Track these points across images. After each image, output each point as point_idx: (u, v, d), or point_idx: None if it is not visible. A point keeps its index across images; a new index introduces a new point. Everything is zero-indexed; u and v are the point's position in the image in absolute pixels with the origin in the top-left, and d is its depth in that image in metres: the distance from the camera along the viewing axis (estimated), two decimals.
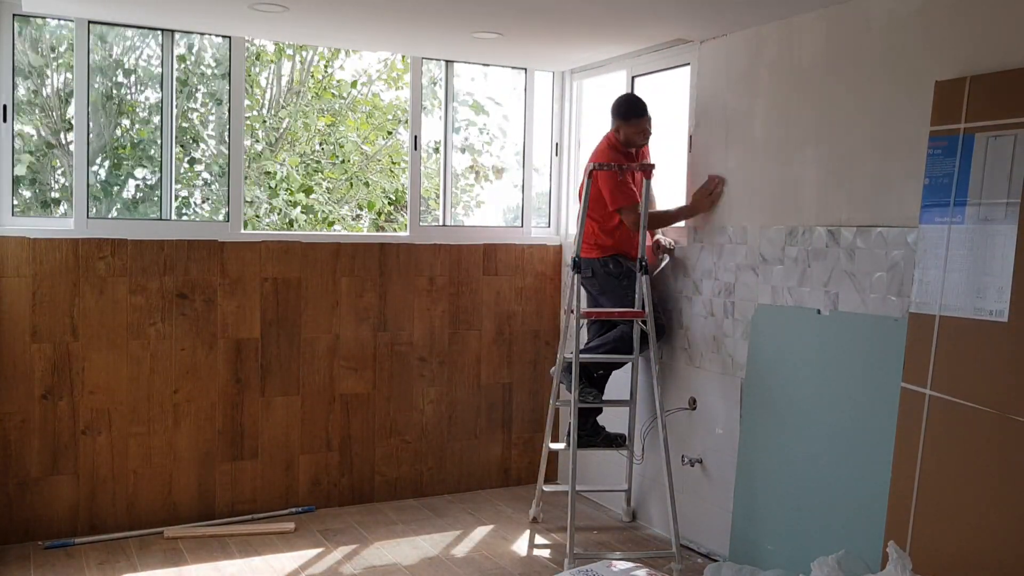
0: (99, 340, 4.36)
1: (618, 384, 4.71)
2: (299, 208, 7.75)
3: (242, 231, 4.69)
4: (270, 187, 7.72)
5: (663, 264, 4.56)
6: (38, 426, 4.28)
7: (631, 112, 4.39)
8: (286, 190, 7.70)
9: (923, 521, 3.11)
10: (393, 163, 8.25)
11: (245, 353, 4.65)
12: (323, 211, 7.94)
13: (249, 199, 7.34)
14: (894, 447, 3.24)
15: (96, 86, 5.01)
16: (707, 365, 4.31)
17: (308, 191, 7.72)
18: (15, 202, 4.34)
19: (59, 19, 4.54)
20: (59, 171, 6.23)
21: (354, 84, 8.28)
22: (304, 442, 4.82)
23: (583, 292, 4.53)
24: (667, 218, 4.43)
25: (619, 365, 4.60)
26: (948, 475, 3.06)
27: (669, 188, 4.64)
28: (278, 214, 7.72)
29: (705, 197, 4.26)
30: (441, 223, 5.30)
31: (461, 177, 7.77)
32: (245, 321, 4.65)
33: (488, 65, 5.34)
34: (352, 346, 4.90)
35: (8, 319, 4.21)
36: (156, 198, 4.88)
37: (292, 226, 7.68)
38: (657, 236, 4.56)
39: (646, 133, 4.43)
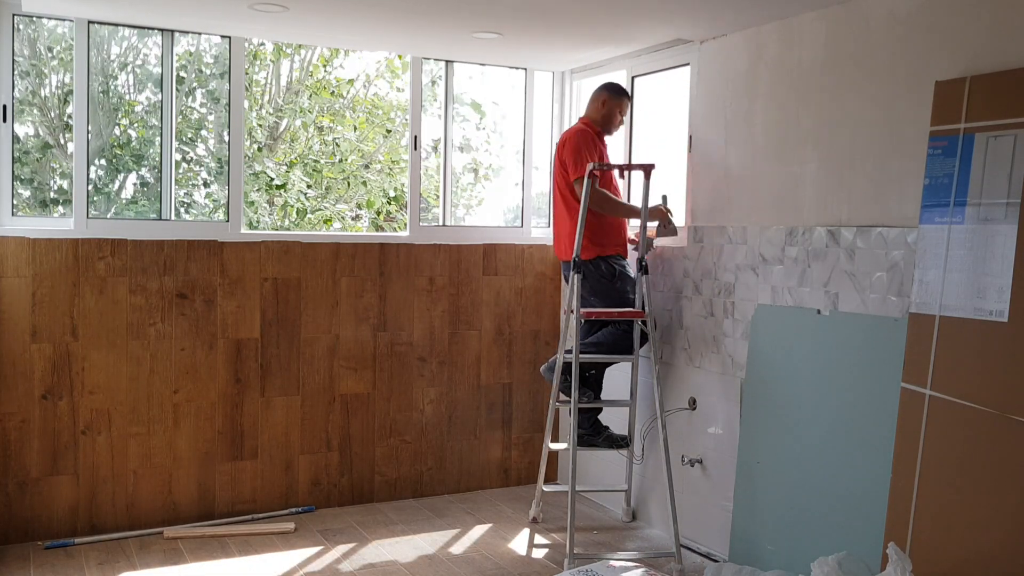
0: (99, 340, 4.36)
1: (618, 384, 4.72)
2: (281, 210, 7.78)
3: (242, 231, 4.69)
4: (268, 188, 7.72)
5: (656, 242, 4.54)
6: (38, 426, 4.28)
7: (623, 93, 4.61)
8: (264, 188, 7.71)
9: (923, 521, 3.12)
10: (392, 162, 8.25)
11: (245, 353, 4.65)
12: (313, 207, 7.94)
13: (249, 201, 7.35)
14: (894, 447, 3.25)
15: (96, 85, 5.01)
16: (707, 365, 4.31)
17: (281, 187, 7.71)
18: (14, 202, 4.34)
19: (59, 19, 4.54)
20: (57, 172, 6.24)
21: (351, 83, 8.28)
22: (304, 442, 4.82)
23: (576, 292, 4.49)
24: (615, 207, 4.42)
25: (608, 364, 4.60)
26: (948, 475, 3.06)
27: (669, 188, 4.63)
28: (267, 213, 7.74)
29: (660, 215, 4.37)
30: (441, 223, 5.30)
31: (460, 176, 7.78)
32: (245, 321, 4.65)
33: (487, 65, 5.34)
34: (352, 346, 4.90)
35: (8, 319, 4.21)
36: (155, 197, 4.88)
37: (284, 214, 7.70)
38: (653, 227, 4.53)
39: (623, 118, 4.63)
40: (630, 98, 4.69)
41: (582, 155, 4.39)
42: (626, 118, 4.70)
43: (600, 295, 4.44)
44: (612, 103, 4.55)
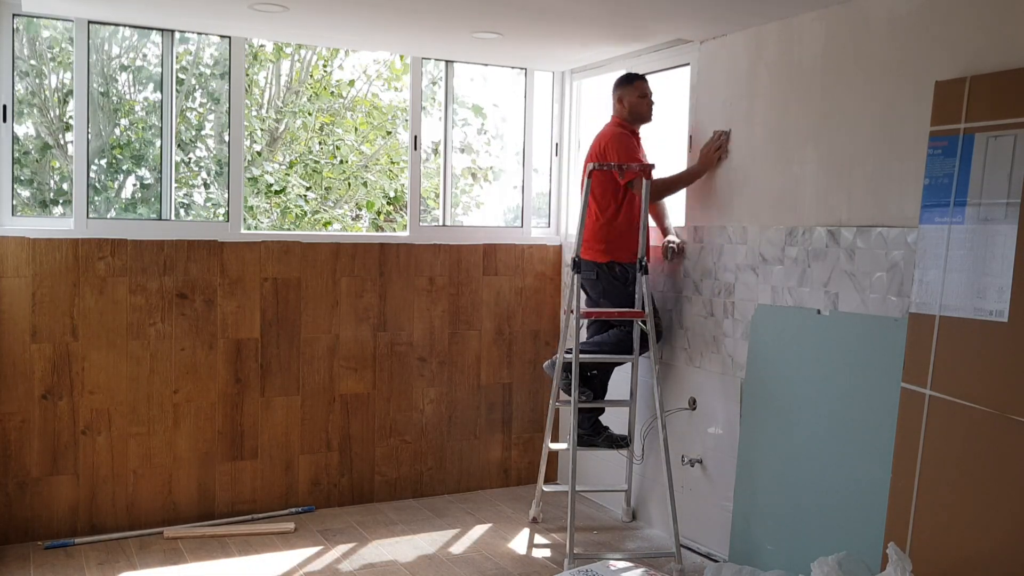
0: (99, 340, 4.36)
1: (618, 384, 4.72)
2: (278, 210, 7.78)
3: (242, 231, 4.69)
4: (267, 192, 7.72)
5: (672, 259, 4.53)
6: (38, 426, 4.27)
7: (631, 76, 4.51)
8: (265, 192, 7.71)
9: (923, 521, 3.12)
10: (392, 163, 8.25)
11: (245, 353, 4.65)
12: (313, 210, 7.94)
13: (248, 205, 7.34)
14: (894, 447, 3.25)
15: (95, 86, 5.01)
16: (707, 365, 4.31)
17: (280, 192, 7.70)
18: (14, 202, 4.34)
19: (59, 19, 4.54)
20: (57, 172, 6.24)
21: (351, 83, 8.28)
22: (304, 442, 4.82)
23: (583, 292, 4.51)
24: (676, 183, 4.36)
25: (614, 366, 4.60)
26: (948, 475, 3.06)
27: None
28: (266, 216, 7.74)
29: (712, 152, 4.22)
30: (441, 223, 5.30)
31: (460, 178, 7.78)
32: (245, 321, 4.65)
33: (487, 65, 5.34)
34: (352, 346, 4.90)
35: (8, 319, 4.21)
36: (155, 198, 4.88)
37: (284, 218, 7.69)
38: (668, 238, 4.53)
39: (648, 98, 4.49)
40: (641, 77, 4.50)
41: (631, 156, 4.31)
42: (652, 96, 4.51)
43: (610, 297, 4.44)
44: (627, 94, 4.46)
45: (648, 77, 4.89)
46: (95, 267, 4.34)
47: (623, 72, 4.60)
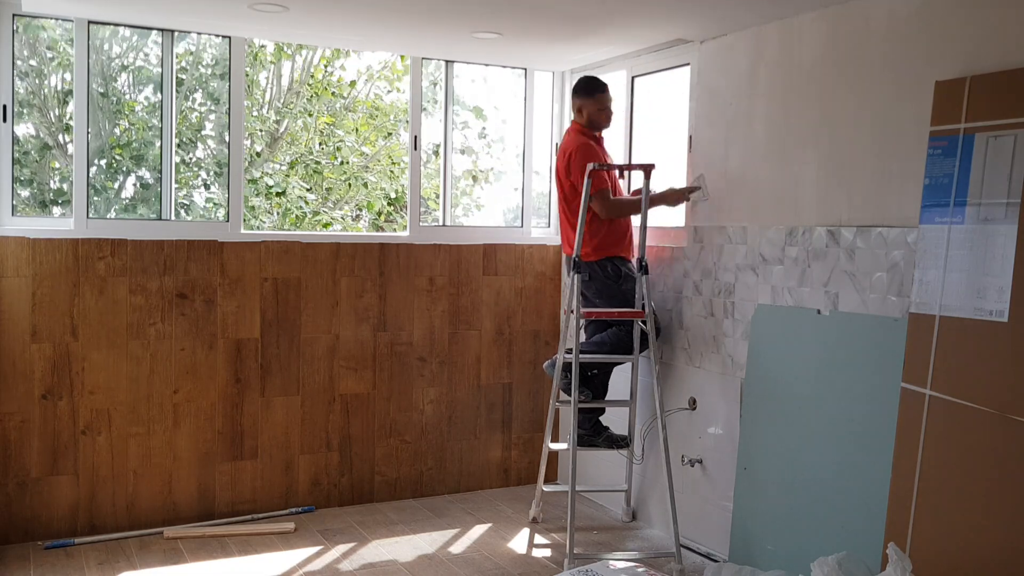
0: (99, 340, 4.36)
1: (618, 384, 4.72)
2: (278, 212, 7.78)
3: (242, 231, 4.69)
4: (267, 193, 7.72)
5: (701, 196, 4.37)
6: (38, 426, 4.28)
7: (592, 87, 4.51)
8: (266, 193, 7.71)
9: (923, 521, 3.12)
10: (393, 163, 8.25)
11: (245, 353, 4.65)
12: (313, 211, 7.94)
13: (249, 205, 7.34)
14: (894, 447, 3.25)
15: (95, 85, 5.00)
16: (707, 365, 4.31)
17: (281, 194, 7.70)
18: (14, 202, 4.34)
19: (59, 19, 4.54)
20: (57, 172, 6.23)
21: (352, 84, 8.28)
22: (304, 442, 4.82)
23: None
24: (631, 206, 4.37)
25: (613, 366, 4.60)
26: (948, 475, 3.06)
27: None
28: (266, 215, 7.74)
29: (677, 195, 4.30)
30: (441, 223, 5.30)
31: (460, 180, 7.77)
32: (245, 321, 4.65)
33: (487, 65, 5.34)
34: (352, 346, 4.90)
35: (8, 319, 4.21)
36: (155, 198, 4.88)
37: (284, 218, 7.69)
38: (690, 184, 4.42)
39: (608, 111, 4.52)
40: (603, 88, 4.50)
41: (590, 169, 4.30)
42: (611, 106, 4.52)
43: (605, 297, 4.43)
44: (586, 105, 4.48)
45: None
46: (95, 267, 4.34)
47: (586, 76, 4.60)
